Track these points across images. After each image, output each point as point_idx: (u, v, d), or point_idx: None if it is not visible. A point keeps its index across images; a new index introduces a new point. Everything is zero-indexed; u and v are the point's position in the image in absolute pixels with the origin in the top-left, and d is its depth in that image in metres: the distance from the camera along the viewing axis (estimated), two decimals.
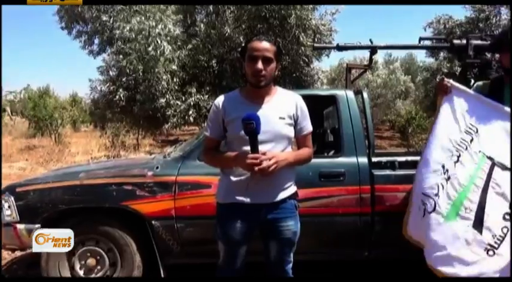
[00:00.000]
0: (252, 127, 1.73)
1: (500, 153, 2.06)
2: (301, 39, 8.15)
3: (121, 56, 8.44)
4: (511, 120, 2.07)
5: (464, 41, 2.97)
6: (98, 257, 2.77)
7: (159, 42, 7.70)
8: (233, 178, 1.91)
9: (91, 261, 2.75)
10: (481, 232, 2.01)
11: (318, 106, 3.55)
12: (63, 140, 14.40)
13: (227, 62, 8.56)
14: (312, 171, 2.64)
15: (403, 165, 2.75)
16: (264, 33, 7.54)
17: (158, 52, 7.71)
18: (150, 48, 7.64)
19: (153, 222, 2.68)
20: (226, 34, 8.08)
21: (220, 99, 1.97)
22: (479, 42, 2.93)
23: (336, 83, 19.81)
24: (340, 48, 3.21)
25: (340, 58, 20.65)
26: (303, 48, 8.47)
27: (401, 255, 2.82)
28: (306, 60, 8.99)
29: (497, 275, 1.98)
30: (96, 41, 11.34)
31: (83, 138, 15.64)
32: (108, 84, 9.24)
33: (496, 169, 2.03)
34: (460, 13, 11.61)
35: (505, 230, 1.96)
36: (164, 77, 7.89)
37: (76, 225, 2.64)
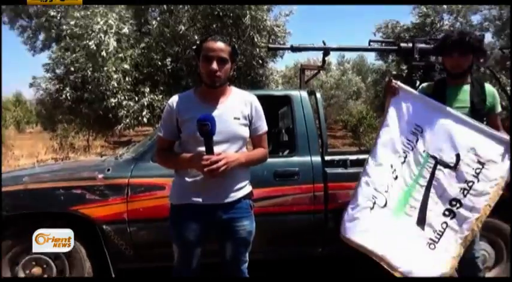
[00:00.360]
0: (207, 128, 1.72)
1: (442, 152, 2.17)
2: (256, 40, 8.19)
3: (68, 53, 8.06)
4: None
5: (410, 45, 3.11)
6: (44, 266, 2.62)
7: (103, 37, 7.40)
8: (188, 179, 1.88)
9: (36, 270, 2.60)
10: (423, 228, 2.14)
11: (273, 106, 3.59)
12: (5, 142, 13.52)
13: (182, 61, 8.44)
14: (266, 171, 2.66)
15: (355, 163, 2.84)
16: (219, 32, 7.51)
17: (102, 48, 7.40)
18: (91, 43, 7.31)
19: (104, 226, 2.58)
20: (181, 32, 7.96)
21: (174, 99, 1.94)
22: (424, 45, 3.09)
23: (291, 84, 20.11)
24: (294, 49, 3.26)
25: (296, 59, 21.03)
26: (257, 49, 8.51)
27: (354, 251, 2.91)
28: (261, 61, 9.04)
29: (437, 267, 2.11)
30: (41, 37, 10.76)
31: (28, 140, 14.79)
32: (53, 82, 8.78)
33: (439, 167, 2.15)
34: (408, 18, 12.18)
35: (444, 225, 2.09)
36: (115, 76, 7.61)
37: (19, 233, 2.49)
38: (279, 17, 9.02)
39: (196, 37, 7.98)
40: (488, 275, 2.82)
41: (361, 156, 2.92)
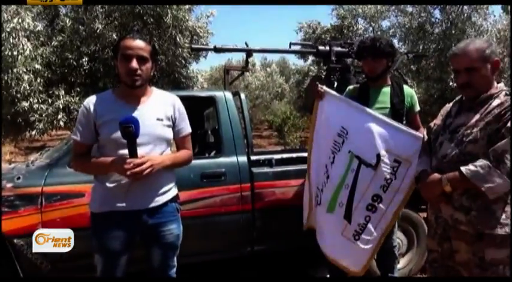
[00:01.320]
0: (130, 131, 1.65)
1: (364, 152, 2.31)
2: (178, 40, 8.03)
3: None
4: None
5: (327, 48, 3.27)
6: None
7: (17, 39, 6.74)
8: (109, 185, 1.79)
9: None
10: (350, 222, 2.29)
11: (198, 107, 3.55)
12: None
13: (99, 60, 7.98)
14: (193, 173, 2.63)
15: (280, 162, 2.92)
16: (139, 31, 7.23)
17: (17, 51, 6.75)
18: (3, 47, 6.64)
19: (15, 240, 2.36)
20: (98, 31, 7.53)
21: (91, 101, 1.83)
22: (339, 49, 3.26)
23: (218, 86, 20.07)
24: (217, 50, 3.26)
25: (229, 58, 21.05)
26: (180, 49, 8.34)
27: (282, 247, 3.00)
28: (184, 61, 8.88)
29: (362, 255, 2.26)
30: None
31: None
32: None
33: (362, 167, 2.29)
34: (328, 20, 12.71)
35: (367, 219, 2.26)
36: (26, 77, 6.95)
37: None
38: (201, 18, 8.95)
39: (114, 36, 7.60)
40: (402, 260, 3.08)
41: (285, 155, 3.01)
